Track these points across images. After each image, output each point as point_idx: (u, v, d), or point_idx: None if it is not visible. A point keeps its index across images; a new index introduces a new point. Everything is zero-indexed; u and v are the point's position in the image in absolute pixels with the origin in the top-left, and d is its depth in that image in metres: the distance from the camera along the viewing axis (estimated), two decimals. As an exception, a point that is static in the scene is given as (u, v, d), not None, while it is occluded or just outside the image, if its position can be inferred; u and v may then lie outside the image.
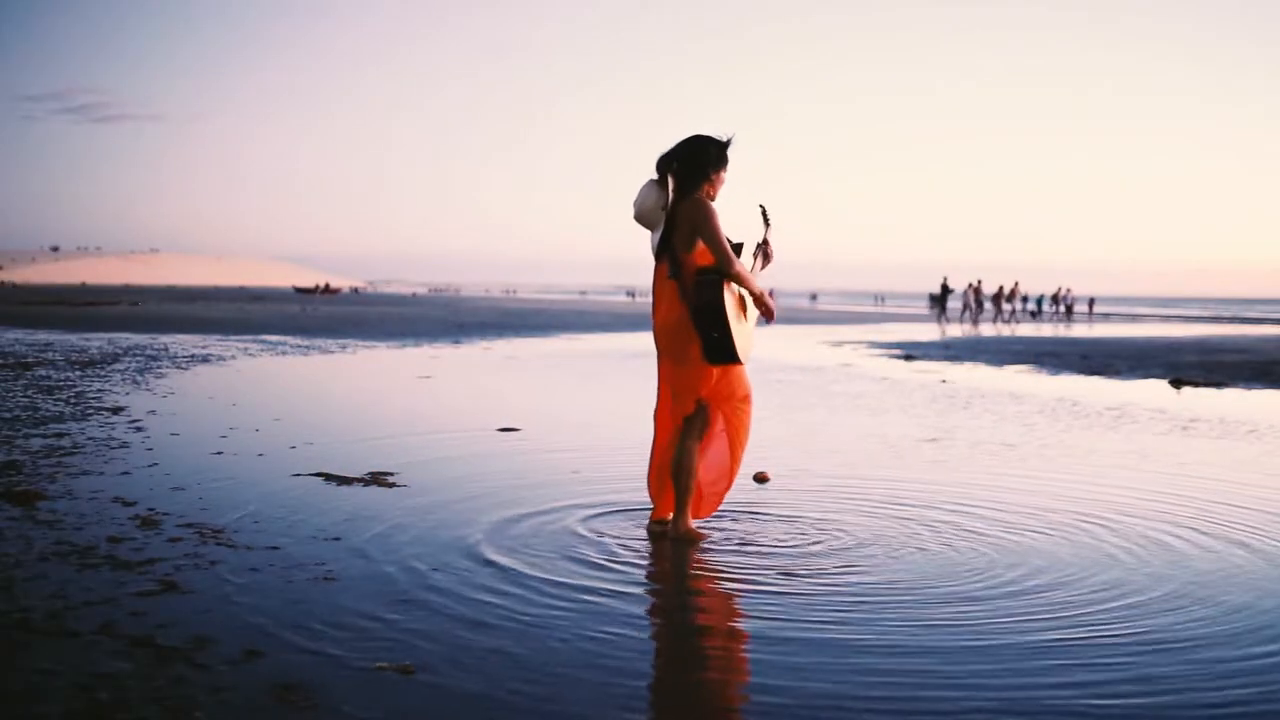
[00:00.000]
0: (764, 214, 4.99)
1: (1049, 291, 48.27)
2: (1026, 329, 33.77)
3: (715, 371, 4.53)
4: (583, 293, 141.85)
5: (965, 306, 40.66)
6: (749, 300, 4.69)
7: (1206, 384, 13.31)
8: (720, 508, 4.92)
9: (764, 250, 4.94)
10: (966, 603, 3.78)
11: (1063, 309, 46.35)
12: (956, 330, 31.58)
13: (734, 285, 4.52)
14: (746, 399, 4.68)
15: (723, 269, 4.44)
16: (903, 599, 3.82)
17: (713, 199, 4.55)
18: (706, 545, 4.54)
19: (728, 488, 4.83)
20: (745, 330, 4.59)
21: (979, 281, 41.44)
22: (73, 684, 2.86)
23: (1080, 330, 33.62)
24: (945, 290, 40.86)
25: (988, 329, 32.93)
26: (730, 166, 4.59)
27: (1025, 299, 44.67)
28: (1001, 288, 41.54)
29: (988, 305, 41.82)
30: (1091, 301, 53.94)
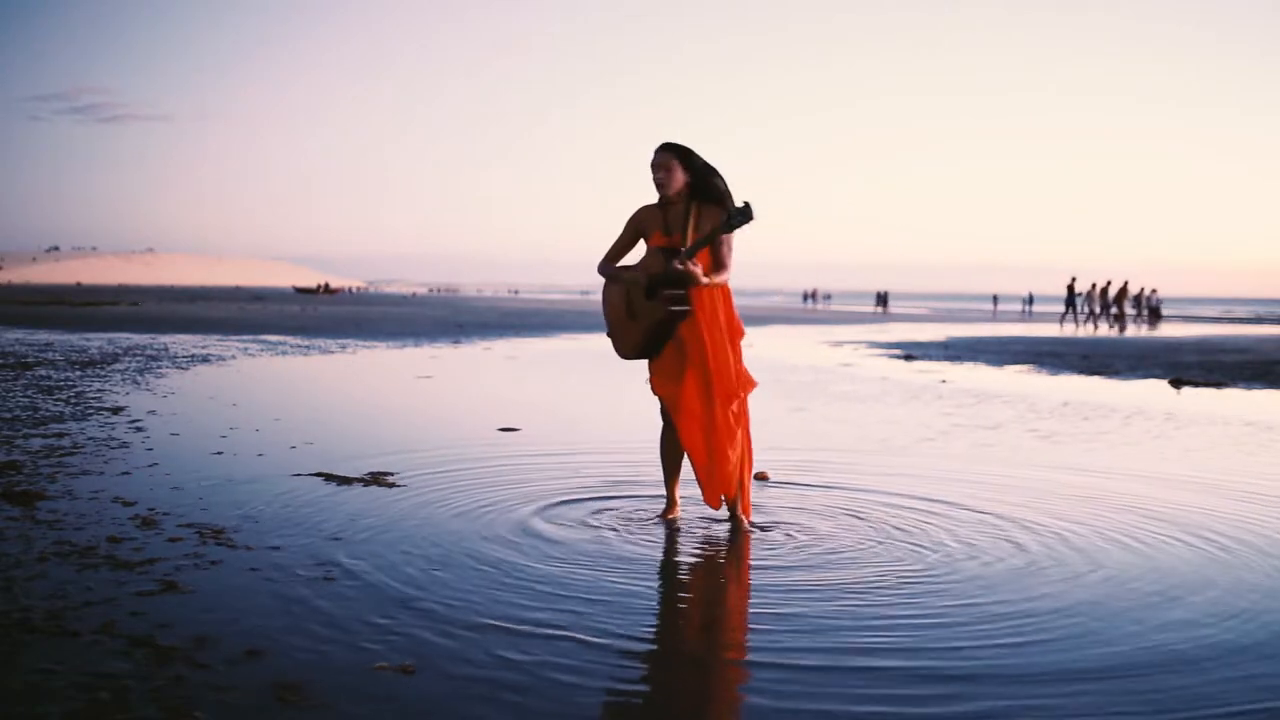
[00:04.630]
0: (731, 214, 4.31)
1: (1131, 292, 47.47)
2: (1020, 328, 33.78)
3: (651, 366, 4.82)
4: (584, 293, 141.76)
5: (1089, 310, 40.27)
6: (635, 296, 4.74)
7: (1206, 384, 13.31)
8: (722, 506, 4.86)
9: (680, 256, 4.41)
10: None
11: (1145, 311, 45.51)
12: (1082, 332, 31.45)
13: (621, 283, 4.77)
14: (665, 394, 4.76)
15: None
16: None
17: (662, 195, 4.71)
18: (728, 537, 4.55)
19: (713, 472, 4.70)
20: (628, 328, 4.78)
21: (1107, 283, 41.17)
22: (73, 684, 2.86)
23: (1082, 331, 33.61)
24: (1072, 292, 40.81)
25: (1108, 330, 33.00)
26: (651, 164, 4.69)
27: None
28: (1126, 285, 41.16)
29: (1112, 308, 41.25)
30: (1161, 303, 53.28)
